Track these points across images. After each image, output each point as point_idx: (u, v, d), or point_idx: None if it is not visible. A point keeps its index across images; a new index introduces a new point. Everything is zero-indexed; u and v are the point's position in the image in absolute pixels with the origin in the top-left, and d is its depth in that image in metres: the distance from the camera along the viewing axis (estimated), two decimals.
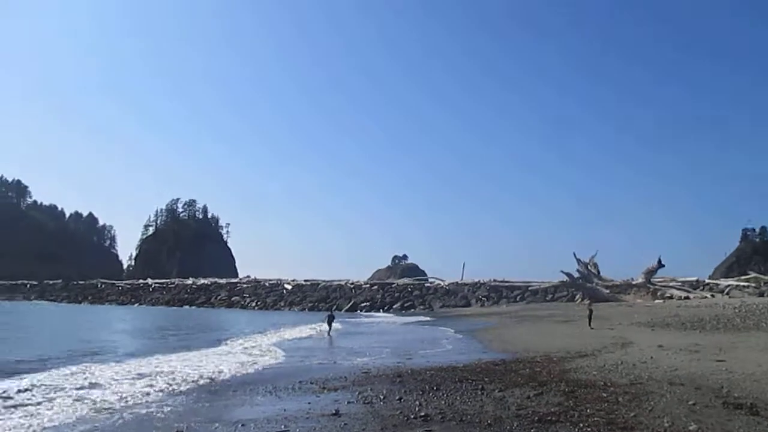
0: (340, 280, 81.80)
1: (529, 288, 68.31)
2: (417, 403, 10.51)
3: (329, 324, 31.74)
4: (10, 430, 9.28)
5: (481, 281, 73.48)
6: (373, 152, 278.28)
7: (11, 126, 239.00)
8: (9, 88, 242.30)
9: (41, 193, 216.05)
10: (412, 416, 9.37)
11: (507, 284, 70.72)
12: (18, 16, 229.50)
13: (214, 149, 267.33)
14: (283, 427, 9.07)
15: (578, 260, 61.06)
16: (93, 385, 13.30)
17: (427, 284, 79.64)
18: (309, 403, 11.11)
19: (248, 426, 9.22)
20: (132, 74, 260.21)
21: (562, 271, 61.85)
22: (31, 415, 10.22)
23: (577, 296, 60.84)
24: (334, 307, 64.03)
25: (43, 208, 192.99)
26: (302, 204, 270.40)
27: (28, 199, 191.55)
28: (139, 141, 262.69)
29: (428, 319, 48.59)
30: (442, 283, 77.11)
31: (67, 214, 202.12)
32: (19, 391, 12.38)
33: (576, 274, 60.16)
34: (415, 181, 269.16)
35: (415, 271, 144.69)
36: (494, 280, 72.69)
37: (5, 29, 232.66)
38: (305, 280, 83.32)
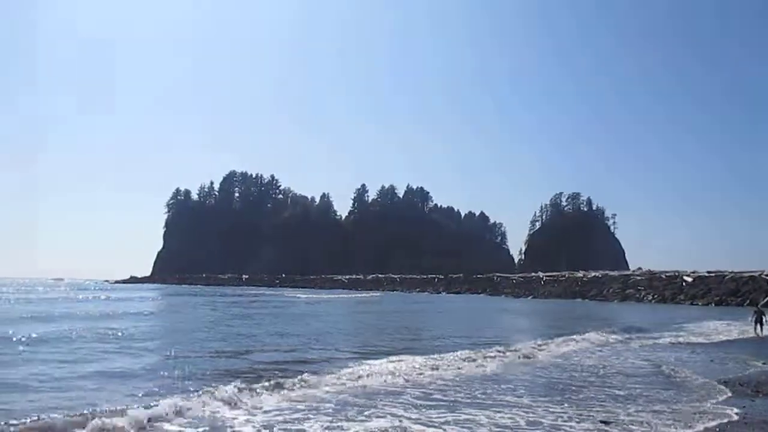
0: (752, 271, 71.18)
1: None
2: None
3: (757, 322, 27.08)
4: None
5: None
6: None
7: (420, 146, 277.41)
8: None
9: (440, 197, 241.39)
10: None
11: None
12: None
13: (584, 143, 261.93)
14: None
15: None
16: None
17: None
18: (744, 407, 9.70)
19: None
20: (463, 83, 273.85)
21: None
22: None
23: None
24: (747, 302, 56.20)
25: (442, 210, 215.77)
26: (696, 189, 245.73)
27: (430, 203, 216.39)
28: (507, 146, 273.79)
29: None
30: None
31: (462, 215, 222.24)
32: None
33: None
34: None
35: None
36: None
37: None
38: (708, 272, 74.98)
